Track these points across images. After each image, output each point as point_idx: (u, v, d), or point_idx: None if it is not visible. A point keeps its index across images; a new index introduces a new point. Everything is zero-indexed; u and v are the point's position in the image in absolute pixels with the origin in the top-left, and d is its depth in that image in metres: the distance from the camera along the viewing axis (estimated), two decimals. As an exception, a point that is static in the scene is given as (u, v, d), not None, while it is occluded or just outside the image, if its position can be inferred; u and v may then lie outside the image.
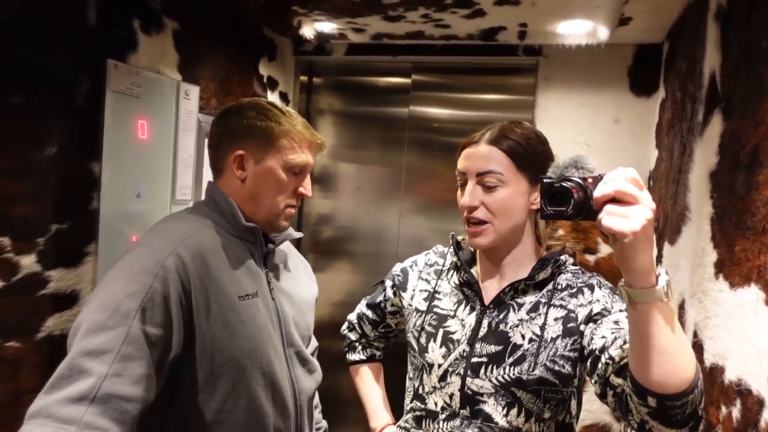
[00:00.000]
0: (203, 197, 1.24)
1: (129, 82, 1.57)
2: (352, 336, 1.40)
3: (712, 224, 1.24)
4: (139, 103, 1.61)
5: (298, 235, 1.34)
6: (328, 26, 2.20)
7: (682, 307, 1.45)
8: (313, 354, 1.33)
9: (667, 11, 1.80)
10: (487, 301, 1.09)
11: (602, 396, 0.89)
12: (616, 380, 0.86)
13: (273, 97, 2.44)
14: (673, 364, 0.74)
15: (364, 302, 1.38)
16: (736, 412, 1.03)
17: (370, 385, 1.35)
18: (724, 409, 1.09)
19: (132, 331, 0.93)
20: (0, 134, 1.27)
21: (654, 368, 0.74)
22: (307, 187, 1.21)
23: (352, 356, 1.39)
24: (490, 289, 1.11)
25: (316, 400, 1.40)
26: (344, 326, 1.43)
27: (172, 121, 1.76)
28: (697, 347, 1.26)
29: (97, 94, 1.49)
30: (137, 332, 0.94)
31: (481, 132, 1.10)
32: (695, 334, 1.30)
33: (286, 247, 1.36)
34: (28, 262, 1.35)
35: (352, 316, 1.40)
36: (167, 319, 1.00)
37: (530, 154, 1.06)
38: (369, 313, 1.35)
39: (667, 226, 1.70)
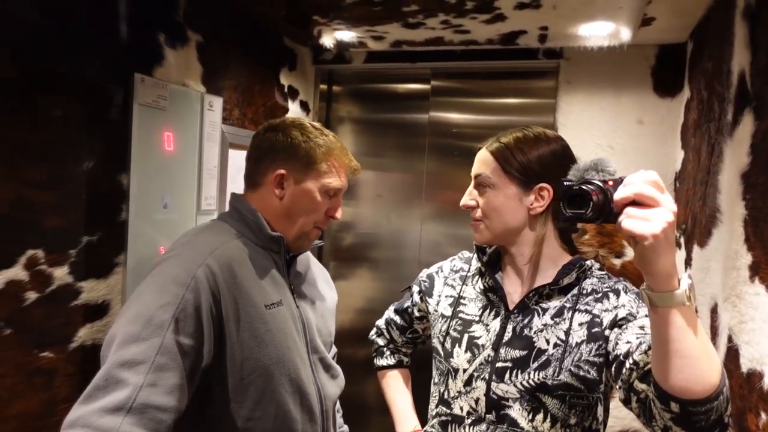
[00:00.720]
0: (227, 208, 1.26)
1: (155, 95, 1.59)
2: (380, 341, 1.41)
3: (746, 226, 1.22)
4: (165, 115, 1.64)
5: (319, 243, 1.35)
6: (347, 35, 2.21)
7: (714, 311, 1.42)
8: (333, 359, 1.34)
9: (691, 11, 1.77)
10: (511, 306, 1.09)
11: (626, 402, 0.89)
12: (640, 386, 0.85)
13: (294, 106, 2.46)
14: (696, 369, 0.73)
15: (392, 308, 1.40)
16: (776, 419, 1.01)
17: (397, 390, 1.35)
18: (764, 416, 1.06)
19: (166, 342, 0.95)
20: (32, 146, 1.30)
21: (676, 373, 0.74)
22: (339, 211, 1.26)
23: (380, 361, 1.40)
24: (515, 294, 1.12)
25: (338, 405, 1.41)
26: (372, 332, 1.44)
27: (197, 132, 1.78)
28: (733, 352, 1.23)
29: (124, 107, 1.52)
30: (171, 343, 0.95)
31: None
32: (730, 339, 1.27)
33: (305, 255, 1.38)
34: (61, 274, 1.38)
35: (381, 322, 1.42)
36: (199, 329, 1.01)
37: (518, 160, 1.08)
38: (397, 318, 1.36)
39: (696, 228, 1.67)
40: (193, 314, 1.00)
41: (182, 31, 1.73)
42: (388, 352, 1.39)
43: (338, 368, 1.31)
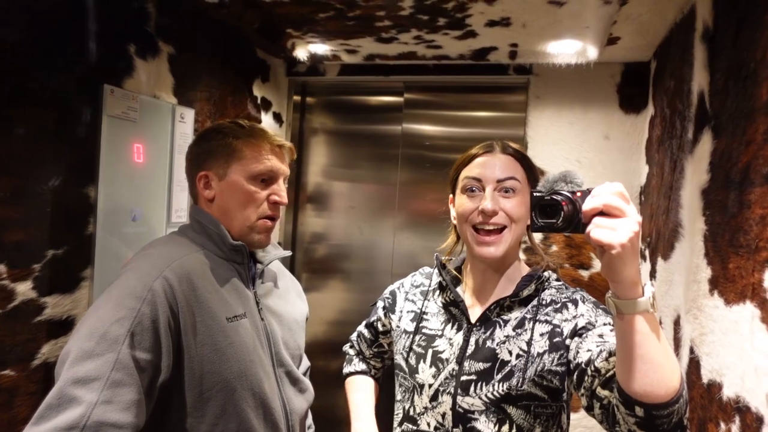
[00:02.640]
0: (188, 220, 1.25)
1: (125, 107, 1.57)
2: (351, 351, 1.43)
3: (705, 241, 1.26)
4: (135, 127, 1.62)
5: (287, 253, 1.34)
6: (321, 48, 2.22)
7: (677, 322, 1.46)
8: (305, 373, 1.33)
9: (654, 31, 1.84)
10: (473, 319, 1.11)
11: (589, 408, 0.91)
12: (603, 392, 0.88)
13: (267, 117, 2.45)
14: (659, 374, 0.76)
15: (363, 322, 1.41)
16: (735, 429, 1.04)
17: (358, 389, 1.34)
18: (723, 426, 1.10)
19: (121, 357, 0.93)
20: (-4, 161, 1.26)
21: (641, 377, 0.76)
22: (280, 194, 1.21)
23: (347, 368, 1.41)
24: (475, 308, 1.14)
25: (309, 420, 1.39)
26: (346, 345, 1.46)
27: (167, 144, 1.76)
28: (694, 363, 1.27)
29: (93, 119, 1.49)
30: (126, 358, 0.93)
31: (483, 145, 1.15)
32: (692, 350, 1.31)
33: (276, 266, 1.37)
34: (24, 289, 1.34)
35: (353, 335, 1.43)
36: (156, 343, 0.99)
37: (533, 167, 1.14)
38: (365, 332, 1.38)
39: (660, 241, 1.72)
40: (150, 328, 0.98)
41: (153, 42, 1.71)
42: (356, 360, 1.40)
43: (307, 382, 1.29)
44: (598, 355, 0.91)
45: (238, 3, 1.78)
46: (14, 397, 1.33)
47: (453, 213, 1.19)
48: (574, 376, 0.96)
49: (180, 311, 1.04)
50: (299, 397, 1.24)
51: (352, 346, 1.43)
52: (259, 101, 2.37)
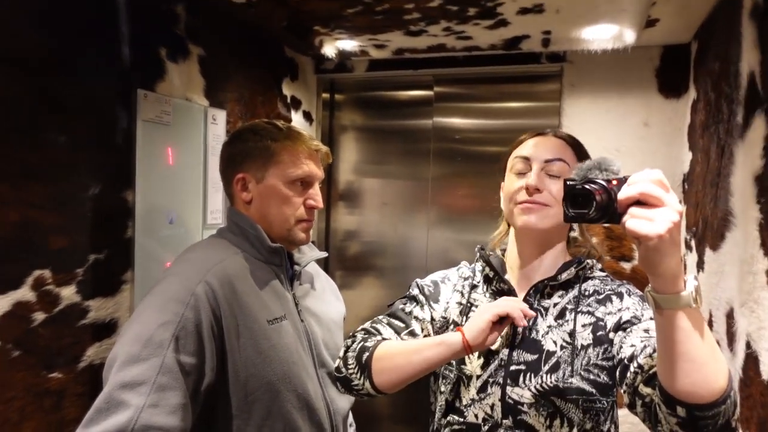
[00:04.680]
0: (225, 223, 1.25)
1: (159, 111, 1.58)
2: (358, 337, 1.11)
3: (761, 230, 1.20)
4: (168, 130, 1.63)
5: (323, 254, 1.33)
6: (349, 44, 2.21)
7: (730, 315, 1.40)
8: None
9: (696, 11, 1.76)
10: None
11: (631, 406, 0.88)
12: (645, 390, 0.84)
13: (297, 116, 2.45)
14: (702, 373, 0.72)
15: (368, 323, 1.16)
16: (801, 428, 0.99)
17: (405, 343, 1.06)
18: (787, 425, 1.04)
19: (166, 361, 0.94)
20: (37, 166, 1.29)
21: (682, 377, 0.72)
22: (316, 199, 1.21)
23: (370, 341, 1.06)
24: (520, 294, 1.11)
25: (351, 418, 1.39)
26: (341, 351, 1.11)
27: (201, 146, 1.77)
28: (752, 359, 1.21)
29: (128, 124, 1.51)
30: (171, 362, 0.95)
31: (536, 131, 1.14)
32: (748, 345, 1.25)
33: (312, 268, 1.37)
34: (68, 293, 1.37)
35: (361, 332, 1.13)
36: (200, 347, 1.00)
37: (586, 154, 1.11)
38: (388, 321, 1.15)
39: (708, 230, 1.65)
40: (194, 332, 0.99)
41: (183, 44, 1.72)
42: (372, 339, 1.08)
43: None
44: (641, 351, 0.88)
45: (266, 2, 1.78)
46: (63, 399, 1.36)
47: (502, 199, 1.15)
48: (617, 372, 0.93)
49: (222, 315, 1.05)
50: (342, 397, 1.24)
51: (355, 338, 1.11)
52: (288, 100, 2.37)
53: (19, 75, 1.24)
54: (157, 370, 0.93)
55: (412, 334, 1.11)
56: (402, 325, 1.13)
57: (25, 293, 1.27)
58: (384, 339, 1.07)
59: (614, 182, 0.77)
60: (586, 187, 0.77)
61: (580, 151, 1.10)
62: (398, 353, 1.00)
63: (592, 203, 0.76)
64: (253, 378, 1.07)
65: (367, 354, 1.03)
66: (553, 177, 1.05)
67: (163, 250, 1.62)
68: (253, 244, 1.17)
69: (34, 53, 1.27)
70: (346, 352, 1.08)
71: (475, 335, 0.95)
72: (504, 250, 1.21)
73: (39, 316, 1.30)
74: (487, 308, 0.98)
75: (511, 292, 1.10)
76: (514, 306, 0.96)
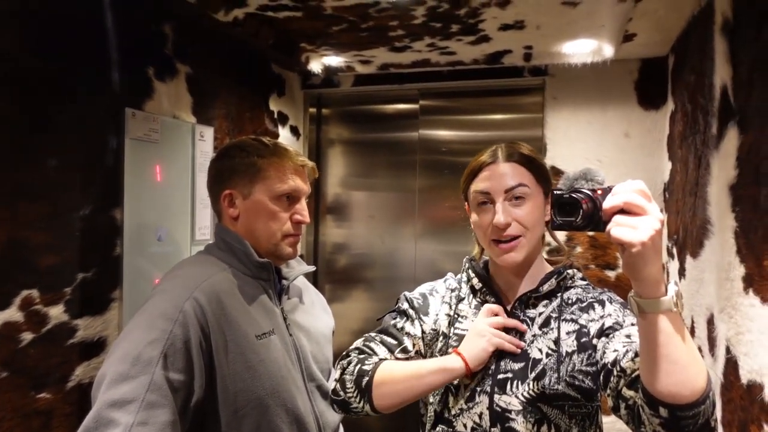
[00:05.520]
0: (213, 239, 1.26)
1: (147, 129, 1.60)
2: (353, 357, 1.13)
3: (737, 238, 1.23)
4: (156, 148, 1.64)
5: (311, 269, 1.34)
6: (335, 60, 2.24)
7: (711, 321, 1.43)
8: None
9: (671, 26, 1.81)
10: None
11: (615, 409, 0.90)
12: (628, 392, 0.87)
13: (284, 130, 2.47)
14: (684, 374, 0.75)
15: (371, 334, 1.18)
16: (779, 430, 1.01)
17: (409, 364, 1.09)
18: (766, 428, 1.07)
19: (155, 379, 0.94)
20: (26, 185, 1.29)
21: (665, 378, 0.75)
22: (303, 214, 1.22)
23: (367, 364, 1.08)
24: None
25: (341, 431, 1.39)
26: (336, 373, 1.13)
27: (189, 163, 1.79)
28: (732, 363, 1.24)
29: (117, 142, 1.52)
30: (160, 379, 0.95)
31: (487, 153, 1.11)
32: (728, 350, 1.28)
33: (301, 282, 1.37)
34: (57, 313, 1.37)
35: (354, 351, 1.15)
36: (189, 363, 1.00)
37: (542, 168, 1.11)
38: (381, 339, 1.16)
39: (688, 238, 1.69)
40: (182, 349, 0.99)
41: (171, 63, 1.74)
42: (371, 360, 1.10)
43: None
44: (624, 356, 0.90)
45: (253, 20, 1.80)
46: (51, 419, 1.35)
47: (475, 233, 1.17)
48: (601, 377, 0.96)
49: (211, 331, 1.05)
50: (331, 411, 1.24)
51: (349, 360, 1.13)
52: (276, 115, 2.39)
53: (9, 95, 1.25)
54: (146, 387, 0.93)
55: (405, 351, 1.13)
56: (395, 342, 1.14)
57: (12, 313, 1.26)
58: (380, 359, 1.09)
59: (599, 192, 0.81)
60: (573, 196, 0.81)
61: (532, 166, 1.08)
62: (400, 379, 1.04)
63: (579, 212, 0.80)
64: (242, 393, 1.08)
65: (366, 379, 1.05)
66: (518, 199, 1.06)
67: (152, 267, 1.62)
68: (241, 259, 1.18)
69: (25, 75, 1.28)
70: (342, 374, 1.09)
71: (477, 364, 1.05)
72: (487, 262, 1.23)
73: (27, 336, 1.30)
74: (486, 337, 1.05)
75: (499, 303, 1.13)
76: (512, 341, 1.06)
